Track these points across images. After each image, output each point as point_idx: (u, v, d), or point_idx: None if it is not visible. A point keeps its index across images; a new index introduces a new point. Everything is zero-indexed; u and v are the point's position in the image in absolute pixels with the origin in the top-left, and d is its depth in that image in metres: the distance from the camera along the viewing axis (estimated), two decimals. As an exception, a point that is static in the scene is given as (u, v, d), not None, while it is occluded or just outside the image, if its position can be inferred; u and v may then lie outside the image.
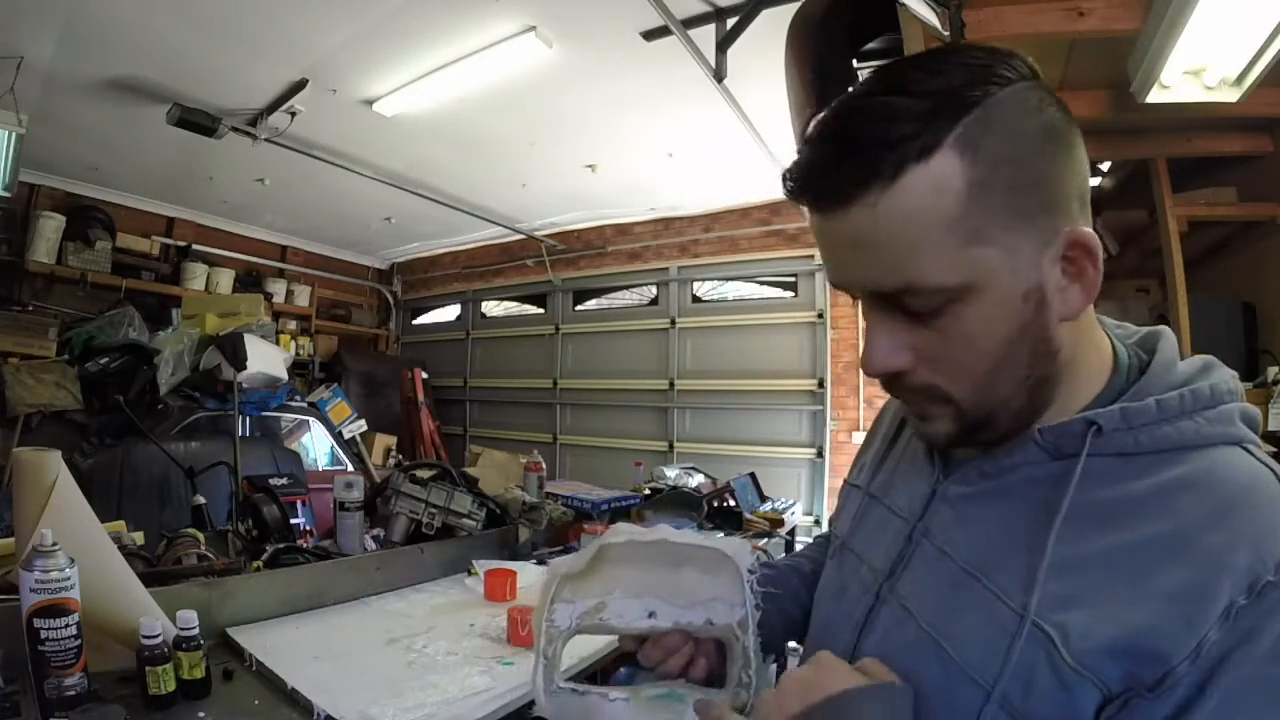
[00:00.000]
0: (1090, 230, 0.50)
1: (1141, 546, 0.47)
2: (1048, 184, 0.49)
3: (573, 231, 6.35)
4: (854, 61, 2.21)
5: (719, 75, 2.93)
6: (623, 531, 0.66)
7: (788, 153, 2.38)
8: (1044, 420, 0.54)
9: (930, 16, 1.66)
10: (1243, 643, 0.42)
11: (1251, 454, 0.51)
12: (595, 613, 0.67)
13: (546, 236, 6.31)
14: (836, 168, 0.49)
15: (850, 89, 0.51)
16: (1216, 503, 0.47)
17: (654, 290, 6.15)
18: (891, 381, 0.56)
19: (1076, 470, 0.50)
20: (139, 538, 1.55)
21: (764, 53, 2.58)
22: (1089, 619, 0.46)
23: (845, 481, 0.79)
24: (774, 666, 0.64)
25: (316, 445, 4.40)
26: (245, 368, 3.70)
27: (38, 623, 0.93)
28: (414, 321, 8.09)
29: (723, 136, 3.94)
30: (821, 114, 0.51)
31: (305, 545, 1.75)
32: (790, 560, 0.88)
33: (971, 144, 0.47)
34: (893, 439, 0.73)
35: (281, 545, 1.67)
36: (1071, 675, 0.46)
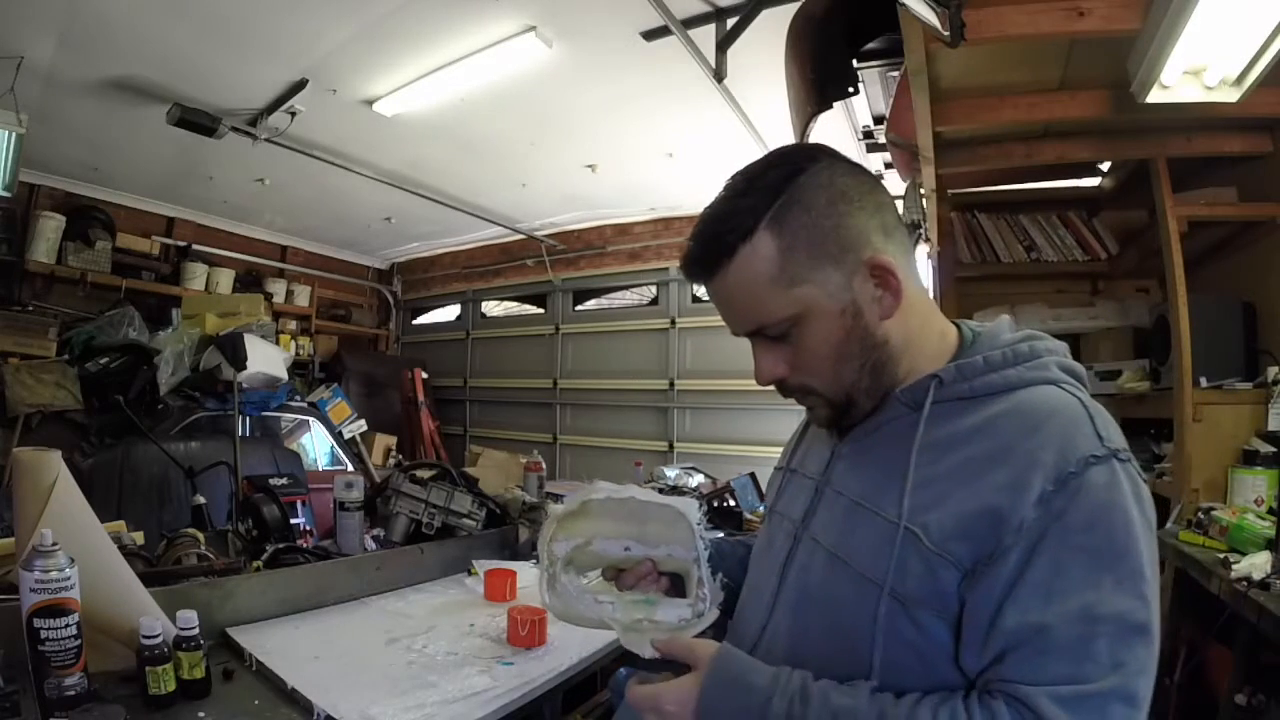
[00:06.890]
0: (885, 254, 0.69)
1: (975, 459, 0.64)
2: (839, 233, 0.68)
3: (573, 231, 6.34)
4: (854, 61, 2.21)
5: (719, 75, 2.93)
6: (602, 489, 0.85)
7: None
8: (903, 386, 0.72)
9: (930, 16, 1.65)
10: (1057, 519, 0.58)
11: (1063, 389, 0.67)
12: (585, 547, 0.86)
13: (546, 236, 6.30)
14: (702, 255, 0.71)
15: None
16: (1029, 420, 0.64)
17: (654, 290, 6.15)
18: (779, 387, 0.75)
19: (924, 413, 0.68)
20: (139, 538, 1.55)
21: (764, 53, 2.58)
22: (941, 516, 0.63)
23: (774, 468, 0.97)
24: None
25: (316, 445, 4.41)
26: (245, 368, 3.70)
27: (38, 623, 0.93)
28: (414, 321, 8.08)
29: (723, 136, 3.93)
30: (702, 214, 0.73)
31: (305, 545, 1.76)
32: (743, 537, 1.05)
33: (779, 221, 0.68)
34: (803, 431, 0.92)
35: (281, 545, 1.67)
36: (935, 559, 0.62)
